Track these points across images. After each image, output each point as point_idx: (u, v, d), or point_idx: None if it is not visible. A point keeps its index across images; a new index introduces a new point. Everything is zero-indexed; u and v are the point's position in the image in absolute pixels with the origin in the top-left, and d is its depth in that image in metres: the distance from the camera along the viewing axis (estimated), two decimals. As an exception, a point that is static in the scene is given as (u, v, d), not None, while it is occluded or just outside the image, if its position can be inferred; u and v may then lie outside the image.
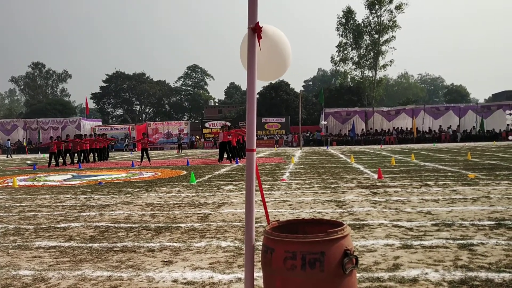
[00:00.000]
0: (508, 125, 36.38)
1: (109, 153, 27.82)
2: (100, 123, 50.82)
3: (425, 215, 5.83)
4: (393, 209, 6.34)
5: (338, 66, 46.99)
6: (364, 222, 5.52)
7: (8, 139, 38.52)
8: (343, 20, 45.00)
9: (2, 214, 7.16)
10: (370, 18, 43.74)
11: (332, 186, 9.27)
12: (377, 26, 43.22)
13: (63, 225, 6.06)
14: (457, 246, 4.28)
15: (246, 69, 2.67)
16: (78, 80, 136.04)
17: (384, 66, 44.24)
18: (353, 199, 7.37)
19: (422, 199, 7.18)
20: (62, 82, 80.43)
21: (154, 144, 40.02)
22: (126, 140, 42.32)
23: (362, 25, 44.24)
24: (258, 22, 2.60)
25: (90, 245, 4.87)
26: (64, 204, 8.04)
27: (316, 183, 9.82)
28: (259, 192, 2.93)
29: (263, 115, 42.98)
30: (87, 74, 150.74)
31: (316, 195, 8.00)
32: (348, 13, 44.64)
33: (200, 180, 11.48)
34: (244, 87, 78.36)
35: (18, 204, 8.16)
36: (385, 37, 43.46)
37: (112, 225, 5.93)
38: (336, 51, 46.13)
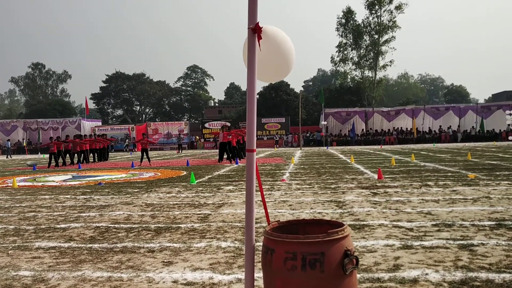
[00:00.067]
0: (508, 125, 36.35)
1: (109, 153, 27.82)
2: (100, 123, 50.82)
3: (425, 216, 5.83)
4: (393, 210, 6.34)
5: (338, 66, 47.04)
6: (364, 223, 5.51)
7: (8, 140, 38.52)
8: (343, 21, 45.01)
9: (2, 214, 7.15)
10: (370, 18, 43.80)
11: (332, 186, 9.27)
12: (377, 27, 43.24)
13: (63, 225, 6.05)
14: (457, 246, 4.28)
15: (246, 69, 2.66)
16: (78, 80, 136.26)
17: (384, 67, 44.27)
18: (353, 200, 7.37)
19: (422, 199, 7.18)
20: (62, 83, 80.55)
21: (154, 145, 40.02)
22: (127, 140, 42.32)
23: (362, 25, 44.26)
24: (258, 23, 2.59)
25: (90, 245, 4.86)
26: (64, 204, 8.04)
27: (316, 184, 9.82)
28: (259, 193, 2.92)
29: (263, 115, 43.00)
30: (87, 75, 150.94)
31: (316, 196, 8.00)
32: (348, 13, 44.65)
33: (200, 180, 11.48)
34: (244, 87, 78.40)
35: (18, 205, 8.16)
36: (385, 37, 43.52)
37: (112, 225, 5.93)
38: (336, 52, 46.21)
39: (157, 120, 68.52)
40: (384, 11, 42.91)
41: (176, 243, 4.83)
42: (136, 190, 9.74)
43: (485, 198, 7.08)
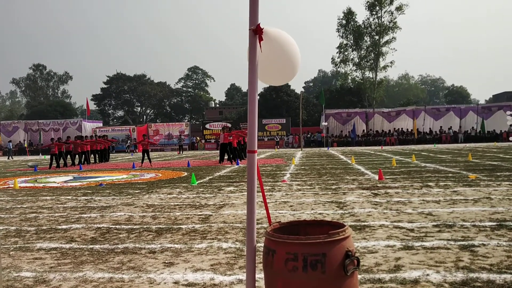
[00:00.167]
0: (510, 125, 36.29)
1: (110, 154, 27.85)
2: (101, 124, 50.85)
3: (426, 216, 5.83)
4: (394, 210, 6.34)
5: (338, 67, 46.95)
6: (365, 223, 5.52)
7: (10, 141, 38.56)
8: (344, 22, 44.98)
9: (3, 215, 7.17)
10: (371, 19, 43.75)
11: (333, 187, 9.27)
12: (378, 27, 43.20)
13: (64, 226, 6.06)
14: (458, 247, 4.28)
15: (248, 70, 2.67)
16: (79, 81, 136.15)
17: (384, 67, 44.21)
18: (354, 200, 7.37)
19: (423, 200, 7.18)
20: (63, 84, 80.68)
21: (155, 146, 40.03)
22: (128, 141, 42.35)
23: (363, 26, 44.22)
24: (259, 24, 2.60)
25: (91, 246, 4.87)
26: (65, 205, 8.05)
27: (317, 184, 9.82)
28: (260, 193, 2.93)
29: (263, 116, 43.00)
30: (88, 76, 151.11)
31: (317, 196, 8.00)
32: (349, 14, 44.62)
33: (201, 181, 11.48)
34: (244, 88, 78.44)
35: (19, 206, 8.17)
36: (386, 38, 43.44)
37: (113, 226, 5.93)
38: (337, 52, 46.14)
39: (158, 121, 68.60)
40: (384, 12, 42.90)
41: (177, 244, 4.84)
42: (137, 191, 9.75)
43: (486, 198, 7.08)
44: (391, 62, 44.22)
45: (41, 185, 12.16)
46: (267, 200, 7.55)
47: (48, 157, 23.95)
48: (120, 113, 74.42)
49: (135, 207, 7.55)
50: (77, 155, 21.58)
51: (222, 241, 4.86)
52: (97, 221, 6.34)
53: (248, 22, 2.61)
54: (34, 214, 7.16)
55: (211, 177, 12.68)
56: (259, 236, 4.80)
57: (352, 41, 44.99)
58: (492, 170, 11.78)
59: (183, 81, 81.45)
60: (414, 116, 39.58)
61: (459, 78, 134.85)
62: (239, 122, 41.48)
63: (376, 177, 10.81)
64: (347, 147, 36.81)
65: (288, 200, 7.67)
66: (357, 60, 45.06)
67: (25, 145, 42.61)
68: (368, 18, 43.88)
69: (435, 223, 5.37)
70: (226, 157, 19.29)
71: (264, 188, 9.48)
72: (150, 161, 19.26)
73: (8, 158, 33.69)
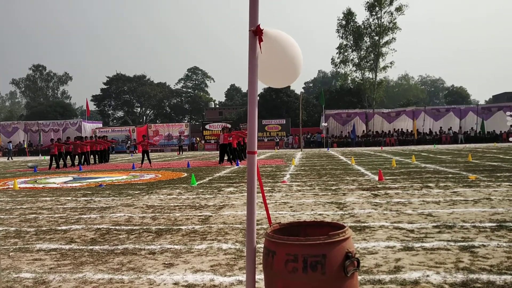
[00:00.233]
0: (511, 126, 36.30)
1: (110, 155, 27.85)
2: (100, 125, 50.83)
3: (426, 217, 5.83)
4: (394, 211, 6.34)
5: (338, 67, 46.96)
6: (365, 224, 5.51)
7: (9, 142, 38.54)
8: (343, 22, 45.00)
9: (3, 216, 7.16)
10: (370, 20, 43.76)
11: (333, 188, 9.27)
12: (377, 28, 43.22)
13: (64, 227, 6.06)
14: (458, 248, 4.28)
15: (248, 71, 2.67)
16: (78, 82, 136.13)
17: (384, 68, 44.23)
18: (354, 201, 7.37)
19: (423, 201, 7.18)
20: (62, 84, 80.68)
21: (155, 146, 40.02)
22: (128, 142, 42.35)
23: (362, 27, 44.24)
24: (259, 25, 2.60)
25: (91, 247, 4.87)
26: (64, 206, 8.04)
27: (317, 185, 9.82)
28: (260, 194, 2.92)
29: (263, 117, 42.99)
30: (87, 76, 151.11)
31: (317, 197, 8.00)
32: (348, 15, 44.64)
33: (201, 182, 11.48)
34: (244, 88, 78.48)
35: (19, 207, 8.16)
36: (385, 38, 43.45)
37: (113, 227, 5.93)
38: (337, 53, 46.15)
39: (157, 121, 68.63)
40: (384, 13, 42.91)
41: (177, 245, 4.83)
42: (137, 192, 9.74)
43: (486, 199, 7.08)
44: (391, 63, 44.27)
45: (40, 185, 12.16)
46: (267, 201, 7.55)
47: (47, 157, 23.96)
48: (120, 113, 74.46)
49: (135, 208, 7.54)
50: (76, 156, 21.59)
51: (222, 242, 4.86)
52: (97, 222, 6.33)
53: (248, 23, 2.61)
54: (33, 215, 7.16)
55: (211, 177, 12.68)
56: (259, 237, 4.79)
57: (352, 42, 45.01)
58: (492, 170, 11.78)
59: (183, 81, 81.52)
60: (414, 117, 39.59)
61: (459, 78, 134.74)
62: (239, 123, 41.47)
63: (376, 178, 10.80)
64: (347, 147, 36.82)
65: (288, 201, 7.67)
66: (357, 61, 45.08)
67: (25, 146, 42.59)
68: (368, 19, 43.93)
69: (435, 224, 5.37)
70: (226, 157, 19.29)
71: (264, 189, 9.47)
72: (150, 162, 19.26)
73: (8, 159, 33.68)
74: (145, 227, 5.84)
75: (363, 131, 41.35)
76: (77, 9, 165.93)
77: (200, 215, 6.58)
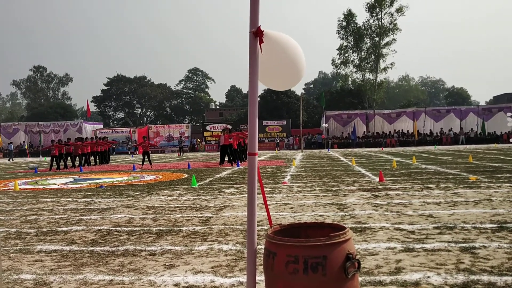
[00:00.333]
0: (511, 127, 36.28)
1: (110, 156, 27.86)
2: (101, 126, 50.89)
3: (426, 218, 5.82)
4: (394, 212, 6.33)
5: (339, 68, 46.95)
6: (366, 225, 5.51)
7: (10, 143, 38.57)
8: (344, 23, 45.00)
9: (3, 217, 7.16)
10: (371, 21, 43.77)
11: (334, 189, 9.26)
12: (378, 29, 43.22)
13: (64, 228, 6.06)
14: (459, 249, 4.27)
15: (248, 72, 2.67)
16: (79, 83, 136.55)
17: (385, 69, 44.23)
18: (354, 202, 7.36)
19: (423, 202, 7.17)
20: (63, 86, 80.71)
21: (155, 147, 40.05)
22: (129, 143, 42.39)
23: (363, 28, 44.24)
24: (259, 26, 2.60)
25: (92, 248, 4.87)
26: (65, 207, 8.04)
27: (317, 186, 9.81)
28: (261, 195, 2.93)
29: (264, 118, 43.00)
30: (88, 78, 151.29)
31: (317, 198, 8.00)
32: (349, 16, 44.64)
33: (201, 183, 11.48)
34: (245, 90, 78.50)
35: (19, 208, 8.17)
36: (386, 39, 43.46)
37: (114, 228, 5.93)
38: (337, 54, 46.13)
39: (158, 122, 68.68)
40: (385, 14, 42.92)
41: (177, 246, 4.83)
42: (137, 193, 9.75)
43: (487, 200, 7.07)
44: (391, 64, 44.27)
45: (41, 187, 12.16)
46: (268, 202, 7.55)
47: (48, 159, 23.97)
48: (121, 114, 74.50)
49: (136, 209, 7.55)
50: (77, 157, 21.60)
51: (222, 243, 4.86)
52: (98, 223, 6.33)
53: (248, 24, 2.62)
54: (34, 216, 7.16)
55: (211, 179, 12.68)
56: (259, 238, 4.79)
57: (352, 43, 45.01)
58: (492, 171, 11.77)
59: (183, 82, 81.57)
60: (414, 118, 39.60)
61: (460, 79, 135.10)
62: (240, 124, 41.49)
63: (377, 179, 10.80)
64: (348, 148, 36.82)
65: (288, 202, 7.67)
66: (358, 62, 45.08)
67: (26, 147, 42.62)
68: (368, 20, 43.93)
69: (435, 225, 5.36)
70: (226, 159, 19.29)
71: (265, 190, 9.46)
72: (150, 163, 19.27)
73: (9, 160, 33.70)
74: (145, 228, 5.84)
75: (364, 132, 41.35)
76: (77, 10, 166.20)
77: (201, 216, 6.58)
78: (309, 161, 19.55)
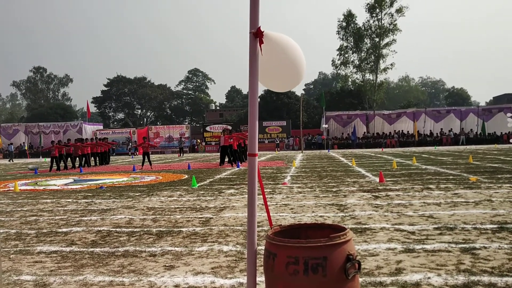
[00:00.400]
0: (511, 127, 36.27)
1: (110, 157, 27.85)
2: (101, 127, 50.88)
3: (427, 219, 5.82)
4: (395, 213, 6.33)
5: (339, 69, 46.97)
6: (366, 226, 5.50)
7: (11, 144, 38.57)
8: (344, 24, 45.03)
9: (3, 218, 7.16)
10: (371, 21, 43.80)
11: (334, 189, 9.26)
12: (378, 30, 43.25)
13: (64, 229, 6.05)
14: (459, 250, 4.27)
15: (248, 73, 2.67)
16: (79, 84, 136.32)
17: (385, 69, 44.26)
18: (354, 203, 7.36)
19: (424, 202, 7.17)
20: (63, 86, 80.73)
21: (155, 148, 40.05)
22: (129, 144, 42.39)
23: (363, 28, 44.26)
24: (259, 27, 2.60)
25: (92, 249, 4.86)
26: (65, 208, 8.04)
27: (317, 187, 9.81)
28: (261, 196, 2.92)
29: (264, 118, 43.00)
30: (88, 78, 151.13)
31: (317, 199, 7.99)
32: (349, 16, 44.67)
33: (202, 184, 11.48)
34: (245, 90, 78.52)
35: (19, 209, 8.16)
36: (386, 40, 43.49)
37: (114, 229, 5.93)
38: (337, 55, 46.15)
39: (158, 123, 68.71)
40: (384, 14, 42.95)
41: (177, 247, 4.83)
42: (137, 194, 9.74)
43: (487, 201, 7.07)
44: (391, 64, 44.29)
45: (41, 188, 12.16)
46: (268, 203, 7.54)
47: (48, 159, 23.97)
48: (121, 115, 74.50)
49: (136, 210, 7.54)
50: (77, 158, 21.60)
51: (222, 244, 4.86)
52: (98, 224, 6.33)
53: (248, 25, 2.62)
54: (34, 217, 7.16)
55: (211, 179, 12.67)
56: (259, 239, 4.79)
57: (352, 43, 45.03)
58: (493, 172, 11.77)
59: (183, 83, 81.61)
60: (414, 118, 39.60)
61: (460, 80, 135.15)
62: (240, 125, 41.50)
63: (377, 179, 10.80)
64: (348, 149, 36.82)
65: (288, 203, 7.66)
66: (358, 62, 45.11)
67: (26, 148, 42.63)
68: (368, 20, 43.96)
69: (436, 226, 5.36)
70: (226, 159, 19.29)
71: (265, 190, 9.46)
72: (150, 164, 19.26)
73: (9, 161, 33.71)
74: (145, 229, 5.84)
75: (364, 132, 41.34)
76: (77, 11, 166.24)
77: (201, 217, 6.58)
78: (309, 162, 19.55)
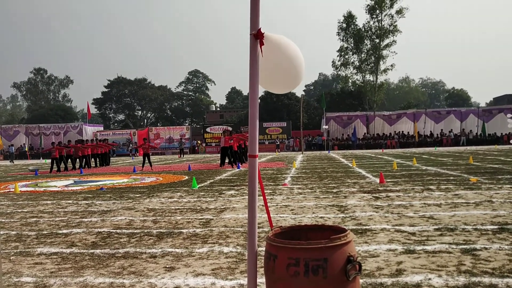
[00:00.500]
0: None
1: (111, 158, 27.85)
2: (101, 128, 50.89)
3: (427, 220, 5.81)
4: (395, 214, 6.32)
5: (339, 70, 46.99)
6: (367, 227, 5.50)
7: (11, 145, 38.58)
8: (344, 25, 45.05)
9: (3, 220, 7.16)
10: (371, 22, 43.83)
11: (334, 190, 9.25)
12: (378, 31, 43.27)
13: (64, 231, 6.05)
14: (460, 251, 4.27)
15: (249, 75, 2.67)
16: (79, 85, 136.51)
17: (385, 71, 44.27)
18: (355, 204, 7.35)
19: (424, 203, 7.16)
20: (64, 88, 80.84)
21: (156, 149, 40.05)
22: (130, 145, 42.40)
23: (363, 29, 44.29)
24: (260, 29, 2.60)
25: (92, 251, 4.86)
26: (65, 210, 8.04)
27: (318, 188, 9.81)
28: (261, 197, 2.92)
29: (264, 119, 43.03)
30: (88, 80, 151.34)
31: (318, 200, 7.99)
32: (349, 17, 44.70)
33: (202, 185, 11.47)
34: (245, 91, 78.52)
35: (19, 210, 8.16)
36: (386, 41, 43.50)
37: (114, 231, 5.92)
38: (337, 56, 46.18)
39: (158, 124, 68.66)
40: (385, 16, 42.96)
41: (178, 248, 4.83)
42: (138, 195, 9.74)
43: (488, 202, 7.06)
44: (391, 65, 44.32)
45: (41, 189, 12.16)
46: (268, 204, 7.54)
47: (49, 161, 23.97)
48: (121, 117, 74.50)
49: (136, 211, 7.54)
50: (77, 159, 21.60)
51: (223, 246, 4.85)
52: (98, 226, 6.33)
53: (249, 26, 2.62)
54: (34, 219, 7.15)
55: (212, 180, 12.67)
56: (260, 240, 4.78)
57: (352, 45, 45.05)
58: (493, 173, 11.76)
59: (183, 84, 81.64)
60: (414, 119, 39.60)
61: (460, 81, 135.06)
62: (240, 126, 41.51)
63: (377, 180, 10.79)
64: (348, 150, 36.81)
65: (289, 204, 7.66)
66: (358, 63, 45.12)
67: (26, 149, 42.64)
68: (369, 22, 43.99)
69: (436, 227, 5.35)
70: (227, 160, 19.29)
71: (265, 192, 9.47)
72: (150, 165, 19.27)
73: (10, 162, 33.72)
74: (146, 231, 5.83)
75: (364, 133, 41.34)
76: (77, 12, 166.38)
77: (201, 218, 6.57)
78: (309, 163, 19.54)
